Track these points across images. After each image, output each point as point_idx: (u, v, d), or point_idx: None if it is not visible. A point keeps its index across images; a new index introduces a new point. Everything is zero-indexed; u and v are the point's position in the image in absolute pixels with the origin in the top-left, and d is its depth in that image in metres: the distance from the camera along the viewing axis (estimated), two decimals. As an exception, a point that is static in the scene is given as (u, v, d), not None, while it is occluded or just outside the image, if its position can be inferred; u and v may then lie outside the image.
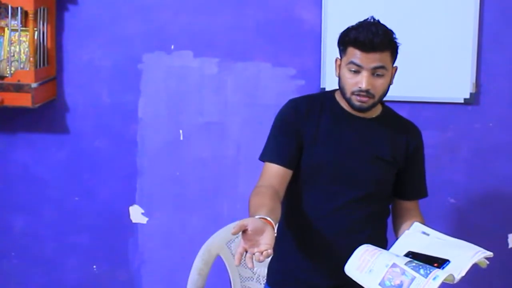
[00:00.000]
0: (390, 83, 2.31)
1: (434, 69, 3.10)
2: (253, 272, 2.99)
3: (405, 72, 3.09)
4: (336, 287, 2.31)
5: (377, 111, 2.36)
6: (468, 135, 3.13)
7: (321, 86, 3.14)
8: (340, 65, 2.29)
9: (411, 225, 2.27)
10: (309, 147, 2.31)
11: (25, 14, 3.07)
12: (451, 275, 1.96)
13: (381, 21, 2.33)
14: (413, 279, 1.93)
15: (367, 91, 2.22)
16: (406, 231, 2.25)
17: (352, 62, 2.22)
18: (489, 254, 2.07)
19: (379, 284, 1.96)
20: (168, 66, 3.22)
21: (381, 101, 2.36)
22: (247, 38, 3.18)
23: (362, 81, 2.21)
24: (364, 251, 2.07)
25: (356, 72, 2.22)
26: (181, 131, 3.26)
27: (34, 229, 3.36)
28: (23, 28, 3.11)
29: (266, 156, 2.33)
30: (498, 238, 3.18)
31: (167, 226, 3.31)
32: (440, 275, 1.92)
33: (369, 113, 2.33)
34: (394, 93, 3.10)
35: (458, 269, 1.99)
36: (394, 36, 2.28)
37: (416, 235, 2.20)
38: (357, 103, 2.25)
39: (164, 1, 3.19)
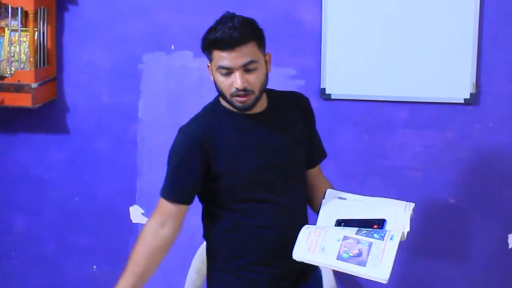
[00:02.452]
0: (268, 71, 2.24)
1: (434, 69, 3.09)
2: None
3: (405, 72, 3.11)
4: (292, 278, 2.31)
5: (265, 99, 2.29)
6: (468, 135, 3.13)
7: (321, 86, 3.14)
8: (212, 70, 2.21)
9: (324, 193, 2.26)
10: (229, 168, 2.22)
11: (25, 14, 3.07)
12: (402, 232, 1.96)
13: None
14: (370, 244, 1.93)
15: (244, 89, 2.15)
16: (323, 200, 2.23)
17: (220, 67, 2.15)
18: (413, 205, 2.11)
19: (337, 259, 1.95)
20: (168, 66, 3.23)
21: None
22: (247, 38, 3.18)
23: (236, 81, 2.14)
24: (308, 233, 2.04)
25: (228, 74, 2.15)
26: (181, 131, 3.26)
27: (34, 229, 3.36)
28: (23, 28, 3.12)
29: (172, 194, 2.27)
30: (498, 238, 3.18)
31: (167, 226, 3.31)
32: (396, 234, 1.92)
33: (260, 105, 2.25)
34: (394, 93, 3.13)
35: (400, 225, 2.00)
36: (254, 24, 2.21)
37: (334, 202, 2.19)
38: (239, 104, 2.18)
39: (164, 1, 3.19)
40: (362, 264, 1.92)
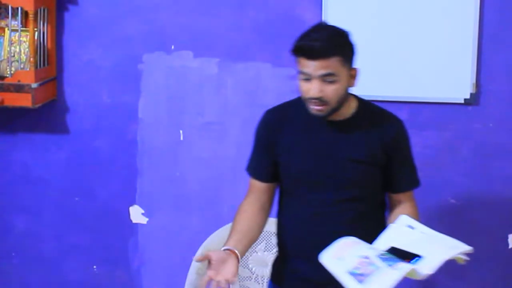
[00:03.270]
0: (350, 85, 2.26)
1: (434, 69, 3.09)
2: (251, 272, 2.99)
3: (405, 72, 3.11)
4: (330, 283, 2.33)
5: (349, 110, 2.31)
6: (468, 135, 3.13)
7: (321, 86, 3.14)
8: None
9: (397, 218, 2.26)
10: (285, 158, 2.34)
11: (25, 14, 3.07)
12: (414, 270, 1.97)
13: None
14: (378, 268, 1.98)
15: (319, 98, 2.19)
16: (392, 224, 2.24)
17: (301, 72, 2.22)
18: (467, 249, 2.07)
19: (347, 272, 2.01)
20: (168, 66, 3.23)
21: (357, 97, 2.34)
22: (247, 38, 3.18)
23: (312, 89, 2.19)
24: (343, 243, 2.12)
25: (307, 80, 2.20)
26: (181, 131, 3.26)
27: (34, 229, 3.36)
28: (23, 29, 3.12)
29: (249, 170, 2.46)
30: (498, 238, 3.18)
31: (167, 226, 3.32)
32: (403, 267, 1.95)
33: (341, 114, 2.29)
34: (394, 93, 3.13)
35: (427, 265, 2.00)
36: (344, 38, 2.23)
37: (401, 229, 2.20)
38: (314, 112, 2.23)
39: (164, 1, 3.20)
40: (360, 281, 1.97)
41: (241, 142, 3.24)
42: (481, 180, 3.15)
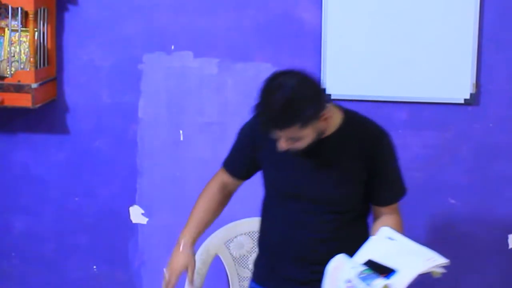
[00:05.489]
0: (323, 128, 2.18)
1: (434, 69, 3.09)
2: (251, 272, 2.99)
3: (405, 72, 3.11)
4: (313, 280, 2.32)
5: (333, 126, 2.24)
6: (468, 135, 3.13)
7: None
8: None
9: (378, 230, 2.26)
10: (267, 169, 2.36)
11: (25, 14, 3.07)
12: (386, 286, 2.01)
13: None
14: None
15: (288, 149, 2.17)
16: (372, 237, 2.23)
17: None
18: (443, 262, 2.07)
19: None
20: (168, 67, 3.23)
21: (342, 109, 2.28)
22: (247, 39, 3.18)
23: (280, 145, 2.15)
24: (333, 267, 2.12)
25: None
26: (181, 131, 3.26)
27: (34, 229, 3.36)
28: (23, 29, 3.12)
29: (226, 164, 2.52)
30: (498, 238, 3.18)
31: (167, 226, 3.31)
32: (377, 285, 2.01)
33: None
34: (394, 93, 3.13)
35: (400, 280, 2.03)
36: (300, 104, 2.08)
37: (381, 241, 2.20)
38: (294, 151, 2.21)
39: (164, 1, 3.20)
40: None
41: (241, 142, 3.24)
42: (481, 180, 3.15)
